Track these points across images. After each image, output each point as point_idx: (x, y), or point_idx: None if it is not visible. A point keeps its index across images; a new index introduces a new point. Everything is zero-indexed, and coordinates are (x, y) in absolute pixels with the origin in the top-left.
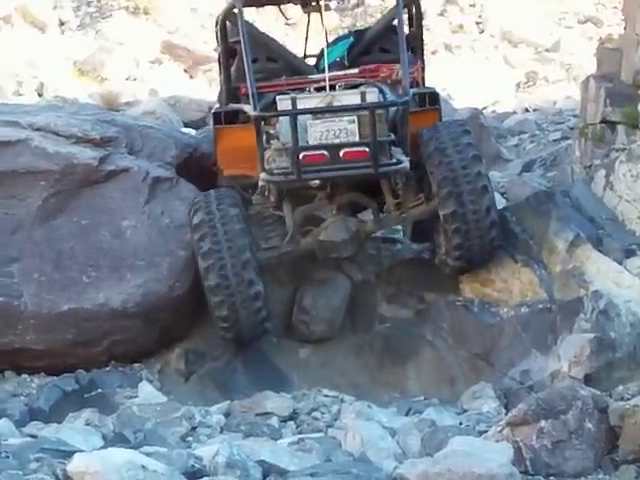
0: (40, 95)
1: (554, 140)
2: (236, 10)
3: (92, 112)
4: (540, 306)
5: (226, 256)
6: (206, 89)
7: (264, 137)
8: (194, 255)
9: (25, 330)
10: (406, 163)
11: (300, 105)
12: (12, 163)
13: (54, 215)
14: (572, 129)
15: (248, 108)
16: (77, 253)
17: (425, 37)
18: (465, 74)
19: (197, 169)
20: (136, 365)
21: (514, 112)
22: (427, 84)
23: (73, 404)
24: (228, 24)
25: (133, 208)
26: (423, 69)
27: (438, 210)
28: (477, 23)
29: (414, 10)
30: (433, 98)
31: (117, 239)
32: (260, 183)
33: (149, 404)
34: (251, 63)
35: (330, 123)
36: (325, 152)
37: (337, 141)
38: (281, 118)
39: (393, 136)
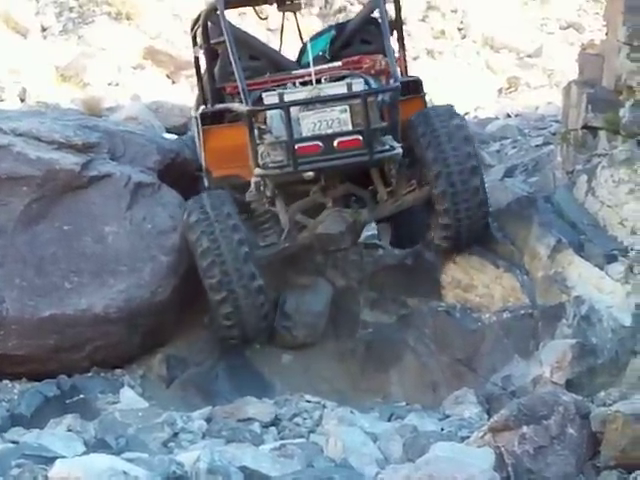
0: (22, 100)
1: (536, 146)
2: (218, 10)
3: (74, 118)
4: (522, 312)
5: (225, 252)
6: (188, 94)
7: (256, 132)
8: (190, 257)
9: (7, 336)
10: (399, 149)
11: (288, 99)
12: None
13: (36, 220)
14: (554, 135)
15: (237, 105)
16: (59, 258)
17: (407, 43)
18: (447, 80)
19: (179, 175)
20: (118, 371)
21: (496, 118)
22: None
23: (55, 410)
24: (209, 25)
25: (115, 214)
26: (404, 58)
27: (431, 191)
28: (459, 29)
29: (393, 0)
30: (416, 86)
31: (99, 244)
32: (254, 179)
33: (131, 410)
34: (238, 61)
35: (322, 114)
36: (319, 143)
37: (330, 131)
38: (271, 113)
39: (385, 123)
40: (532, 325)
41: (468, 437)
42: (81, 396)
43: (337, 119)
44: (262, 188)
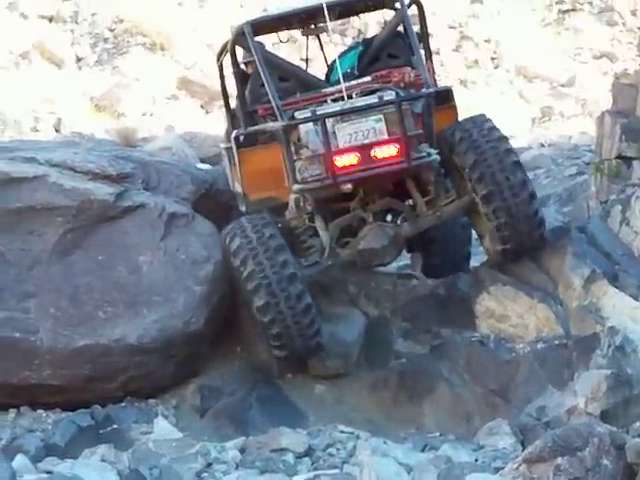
0: (57, 131)
1: (570, 175)
2: (246, 33)
3: (109, 148)
4: (556, 342)
5: (270, 274)
6: (222, 124)
7: (292, 148)
8: (223, 287)
9: (41, 366)
10: (436, 156)
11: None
12: (29, 199)
13: (71, 251)
14: (588, 164)
15: (272, 124)
16: (93, 289)
17: (440, 72)
18: (480, 109)
19: (213, 205)
20: (151, 401)
21: (529, 147)
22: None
23: (89, 440)
24: (238, 49)
25: (149, 244)
26: (433, 69)
27: (474, 200)
28: (492, 58)
29: (418, 12)
30: (448, 95)
31: (133, 275)
32: (293, 196)
33: (164, 440)
34: (261, 86)
35: (357, 124)
36: (357, 153)
37: (367, 141)
38: (306, 129)
39: (420, 130)
40: (566, 355)
41: (502, 468)
42: (115, 426)
43: (372, 129)
44: (302, 204)
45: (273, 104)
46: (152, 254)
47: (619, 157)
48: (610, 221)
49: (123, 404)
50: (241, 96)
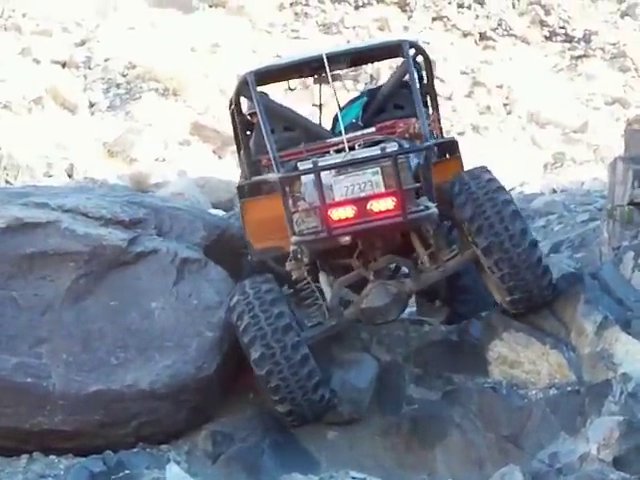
0: (70, 176)
1: (582, 221)
2: (249, 83)
3: (121, 194)
4: (569, 388)
5: (264, 325)
6: (235, 170)
7: (290, 200)
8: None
9: (53, 411)
10: (434, 209)
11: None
12: (42, 244)
13: (83, 296)
14: (600, 210)
15: (271, 175)
16: (106, 334)
17: (452, 118)
18: (492, 155)
19: (226, 251)
20: (164, 446)
21: (542, 193)
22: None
23: None
24: (242, 98)
25: (162, 289)
26: (439, 120)
27: (476, 253)
28: (504, 104)
29: (423, 62)
30: (453, 147)
31: (145, 320)
32: (292, 247)
33: None
34: (270, 131)
35: (354, 177)
36: (353, 206)
37: (363, 194)
38: (305, 180)
39: (418, 184)
40: (579, 402)
41: None
42: (127, 472)
43: (369, 181)
44: (299, 256)
45: (270, 156)
46: (164, 299)
47: (631, 203)
48: (622, 267)
49: (135, 450)
50: (246, 146)
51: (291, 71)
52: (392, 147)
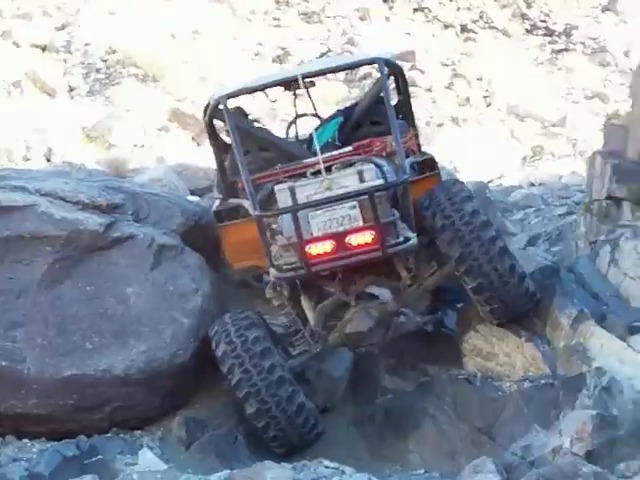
0: (48, 160)
1: (559, 215)
2: (221, 106)
3: (99, 179)
4: (543, 381)
5: (257, 381)
6: (213, 157)
7: (268, 234)
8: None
9: (27, 395)
10: (414, 240)
11: (299, 193)
12: (18, 228)
13: (59, 280)
14: (577, 204)
15: (248, 205)
16: (81, 319)
17: (432, 110)
18: (471, 147)
19: (203, 237)
20: (137, 432)
21: (520, 186)
22: (434, 156)
23: (73, 470)
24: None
25: (138, 275)
26: (417, 136)
27: (452, 266)
28: (484, 97)
29: (399, 79)
30: (431, 163)
31: (121, 305)
32: (271, 279)
33: (149, 471)
34: (243, 157)
35: (332, 212)
36: (331, 241)
37: (341, 229)
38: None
39: (397, 213)
40: (553, 395)
41: None
42: (100, 457)
43: (347, 216)
44: (278, 288)
45: (247, 191)
46: (140, 285)
47: (609, 198)
48: (599, 262)
49: (109, 435)
50: (220, 167)
51: (263, 89)
52: (369, 170)
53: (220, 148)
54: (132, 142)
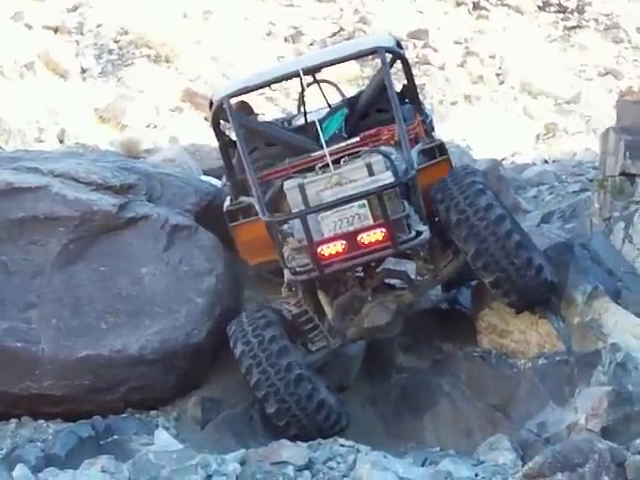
0: (61, 142)
1: (573, 192)
2: (225, 106)
3: (112, 159)
4: (558, 358)
5: (276, 381)
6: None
7: (279, 236)
8: (225, 300)
9: (42, 376)
10: (426, 233)
11: (308, 189)
12: (32, 209)
13: (73, 261)
14: (591, 181)
15: (257, 207)
16: (95, 299)
17: (445, 88)
18: (484, 125)
19: (216, 217)
20: (152, 412)
21: (533, 163)
22: (447, 134)
23: (89, 450)
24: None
25: (152, 255)
26: (423, 122)
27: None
28: (497, 74)
29: (403, 64)
30: (441, 149)
31: (135, 286)
32: (286, 280)
33: (165, 451)
34: (250, 154)
35: (341, 212)
36: (343, 241)
37: (352, 228)
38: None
39: (407, 208)
40: (568, 372)
41: None
42: (115, 437)
43: (357, 215)
44: (294, 289)
45: (255, 196)
46: (154, 265)
47: (623, 174)
48: (613, 238)
49: (124, 415)
50: (228, 166)
51: (266, 86)
52: (377, 162)
53: (227, 147)
54: (145, 123)
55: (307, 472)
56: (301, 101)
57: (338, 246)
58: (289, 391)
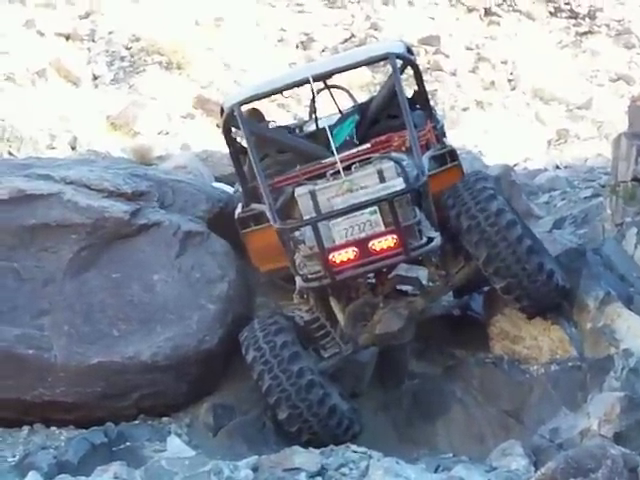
0: (73, 149)
1: (585, 197)
2: (236, 113)
3: (124, 166)
4: (570, 364)
5: (287, 386)
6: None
7: (291, 243)
8: (237, 306)
9: (55, 383)
10: (437, 240)
11: (319, 196)
12: (44, 216)
13: (85, 268)
14: (603, 187)
15: (269, 215)
16: (107, 306)
17: (457, 94)
18: (496, 131)
19: (228, 224)
20: (165, 419)
21: (545, 169)
22: (459, 140)
23: (101, 457)
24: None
25: (164, 262)
26: (435, 127)
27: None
28: (509, 80)
29: (414, 71)
30: (452, 155)
31: (147, 293)
32: (297, 287)
33: (177, 458)
34: (262, 162)
35: (353, 218)
36: (354, 248)
37: (363, 235)
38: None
39: (419, 214)
40: (580, 377)
41: None
42: (128, 444)
43: (368, 221)
44: (305, 296)
45: (266, 204)
46: (166, 272)
47: (635, 179)
48: (625, 243)
49: (136, 422)
50: (240, 173)
51: (276, 93)
52: (389, 168)
53: (239, 154)
54: (157, 130)
55: (319, 478)
56: (312, 108)
57: (350, 253)
58: (300, 397)
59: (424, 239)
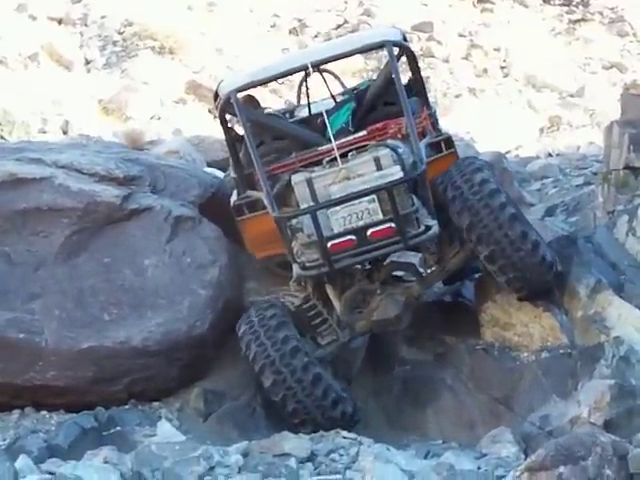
0: (65, 133)
1: (577, 185)
2: (232, 100)
3: (116, 151)
4: (561, 351)
5: (272, 352)
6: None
7: (288, 231)
8: (228, 291)
9: (46, 367)
10: (435, 228)
11: (316, 184)
12: (36, 200)
13: (76, 252)
14: (595, 174)
15: (266, 202)
16: (98, 291)
17: (449, 80)
18: (489, 118)
19: (220, 209)
20: (155, 404)
21: (537, 157)
22: (451, 127)
23: (92, 442)
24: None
25: (155, 247)
26: (431, 114)
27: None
28: (501, 67)
29: (409, 58)
30: (448, 142)
31: (139, 277)
32: (295, 275)
33: (167, 443)
34: (258, 148)
35: (351, 207)
36: (352, 236)
37: (361, 223)
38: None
39: (417, 202)
40: (571, 365)
41: (504, 476)
42: (118, 428)
43: (366, 210)
44: (303, 284)
45: (264, 192)
46: (158, 257)
47: (627, 167)
48: (616, 231)
49: (127, 406)
50: (235, 160)
51: (273, 80)
52: (385, 156)
53: (234, 141)
54: (149, 114)
55: (309, 464)
56: (301, 93)
57: (348, 241)
58: (284, 362)
59: (422, 227)
